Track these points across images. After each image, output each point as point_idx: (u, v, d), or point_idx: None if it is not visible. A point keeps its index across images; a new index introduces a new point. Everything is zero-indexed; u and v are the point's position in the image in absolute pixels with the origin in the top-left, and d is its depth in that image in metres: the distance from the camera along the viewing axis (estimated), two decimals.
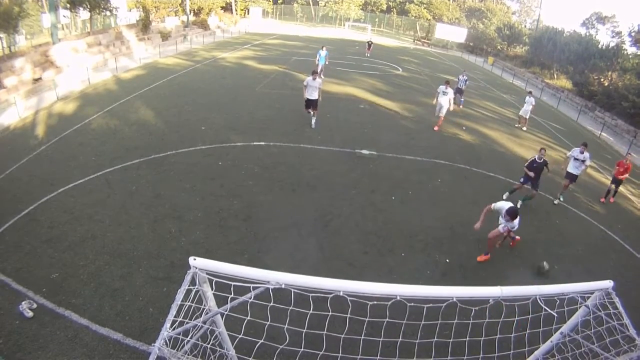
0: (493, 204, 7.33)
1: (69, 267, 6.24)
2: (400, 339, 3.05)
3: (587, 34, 37.84)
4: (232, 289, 2.55)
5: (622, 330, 3.08)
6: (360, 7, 62.26)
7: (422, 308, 2.98)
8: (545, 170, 9.49)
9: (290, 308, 2.69)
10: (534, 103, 17.23)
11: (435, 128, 15.04)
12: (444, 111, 14.57)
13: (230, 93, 16.96)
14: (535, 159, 9.52)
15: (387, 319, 2.76)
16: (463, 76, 19.04)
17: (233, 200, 8.63)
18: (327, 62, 21.26)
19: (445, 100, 14.33)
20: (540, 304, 2.83)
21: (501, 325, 3.24)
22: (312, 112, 13.32)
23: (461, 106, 18.65)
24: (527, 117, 17.52)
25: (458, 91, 18.48)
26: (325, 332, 2.82)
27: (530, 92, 18.14)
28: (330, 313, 2.71)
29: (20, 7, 19.16)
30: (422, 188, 10.17)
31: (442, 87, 14.45)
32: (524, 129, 17.48)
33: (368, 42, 34.12)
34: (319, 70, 20.84)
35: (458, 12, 58.91)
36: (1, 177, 8.94)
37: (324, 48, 20.83)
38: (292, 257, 7.07)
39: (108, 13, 27.91)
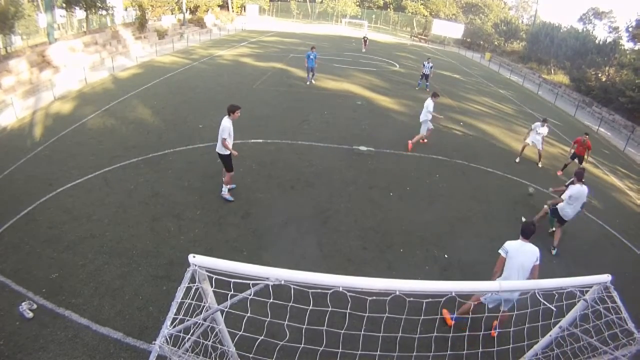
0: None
1: (69, 267, 6.23)
2: (400, 334, 3.06)
3: (585, 29, 37.88)
4: (231, 286, 2.56)
5: (620, 324, 3.10)
6: (357, 3, 62.11)
7: (422, 303, 3.00)
8: None
9: (290, 304, 2.70)
10: (546, 134, 12.35)
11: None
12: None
13: (227, 91, 16.93)
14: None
15: (386, 314, 2.77)
16: (428, 63, 20.54)
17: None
18: (316, 65, 19.11)
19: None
20: (539, 298, 2.85)
21: (500, 319, 3.25)
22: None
23: (427, 90, 20.51)
24: (541, 148, 12.41)
25: (425, 77, 20.90)
26: (325, 327, 2.83)
27: (544, 120, 12.30)
28: (330, 309, 2.72)
29: (17, 7, 19.02)
30: (420, 184, 10.18)
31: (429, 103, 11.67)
32: (539, 164, 12.70)
33: (363, 38, 34.52)
34: (308, 74, 19.30)
35: (455, 8, 58.82)
36: None
37: (313, 49, 18.34)
38: (291, 253, 7.08)
39: (104, 12, 27.77)
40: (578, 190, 7.72)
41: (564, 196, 7.83)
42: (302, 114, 14.50)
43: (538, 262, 5.12)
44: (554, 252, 8.08)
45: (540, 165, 12.62)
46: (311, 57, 18.27)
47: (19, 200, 7.94)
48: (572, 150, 11.91)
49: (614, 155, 16.74)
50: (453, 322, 5.62)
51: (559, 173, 12.16)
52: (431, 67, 20.66)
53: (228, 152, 7.98)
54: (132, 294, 5.79)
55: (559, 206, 8.03)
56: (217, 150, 8.10)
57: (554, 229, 8.46)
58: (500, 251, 5.21)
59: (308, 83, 19.41)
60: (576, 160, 12.04)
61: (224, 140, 7.78)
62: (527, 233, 5.17)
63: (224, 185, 8.57)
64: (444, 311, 5.78)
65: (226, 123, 7.74)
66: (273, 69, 22.64)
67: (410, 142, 12.19)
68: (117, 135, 11.57)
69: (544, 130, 12.15)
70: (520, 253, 5.12)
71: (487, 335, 3.31)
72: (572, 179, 8.16)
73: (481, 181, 10.84)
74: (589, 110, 25.72)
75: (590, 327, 3.36)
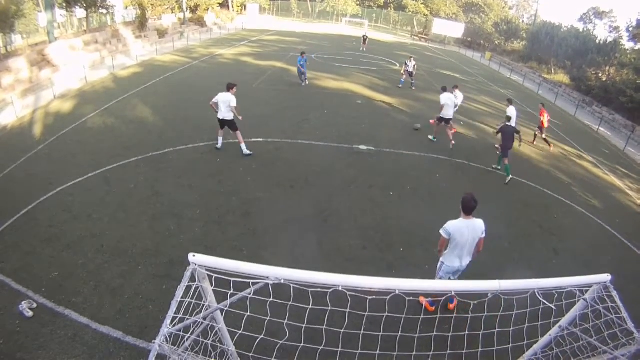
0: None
1: (69, 266, 6.24)
2: (400, 333, 3.06)
3: (585, 29, 37.81)
4: (231, 285, 2.56)
5: (620, 323, 3.10)
6: (358, 2, 62.06)
7: (421, 303, 2.99)
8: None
9: (290, 303, 2.70)
10: (514, 116, 12.86)
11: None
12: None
13: None
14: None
15: (386, 314, 2.77)
16: (411, 61, 20.83)
17: (232, 197, 8.64)
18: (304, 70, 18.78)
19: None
20: (539, 297, 2.85)
21: (500, 319, 3.25)
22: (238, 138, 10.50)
23: (413, 88, 20.99)
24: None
25: (409, 75, 21.02)
26: (324, 327, 2.83)
27: (509, 100, 13.44)
28: (329, 308, 2.72)
29: (17, 6, 19.03)
30: (420, 183, 10.18)
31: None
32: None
33: (363, 36, 34.75)
34: (301, 79, 18.82)
35: (455, 7, 58.76)
36: None
37: (304, 55, 18.17)
38: (291, 252, 7.08)
39: (104, 11, 27.78)
40: (444, 97, 12.27)
41: (442, 103, 12.28)
42: (302, 113, 14.50)
43: (484, 235, 5.15)
44: (432, 138, 13.09)
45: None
46: (301, 62, 18.13)
47: (19, 199, 7.94)
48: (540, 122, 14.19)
49: (614, 155, 16.72)
50: (433, 307, 5.69)
51: (551, 147, 14.59)
52: (414, 65, 20.91)
53: (232, 117, 10.10)
54: (132, 293, 5.79)
55: (442, 113, 12.31)
56: (223, 117, 10.10)
57: (507, 175, 10.83)
58: (441, 232, 5.12)
59: (303, 84, 19.02)
60: (537, 133, 14.67)
61: (234, 107, 9.93)
62: (469, 209, 5.03)
63: (242, 145, 10.53)
64: (421, 298, 5.84)
65: (231, 96, 9.91)
66: (273, 68, 22.62)
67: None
68: (117, 134, 11.58)
69: (511, 110, 12.74)
70: (466, 231, 5.05)
71: (486, 335, 3.31)
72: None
73: (481, 180, 10.83)
74: (589, 110, 25.68)
75: (589, 326, 3.36)
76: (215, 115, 10.41)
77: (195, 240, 7.13)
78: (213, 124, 12.47)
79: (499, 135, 10.70)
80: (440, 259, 5.50)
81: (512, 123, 12.48)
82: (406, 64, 21.01)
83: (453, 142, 12.53)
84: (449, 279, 5.48)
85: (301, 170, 10.20)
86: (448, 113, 12.31)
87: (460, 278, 5.61)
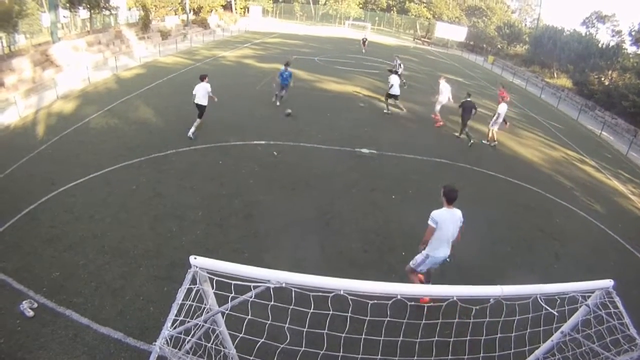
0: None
1: (70, 266, 6.24)
2: (401, 338, 3.05)
3: (587, 33, 37.80)
4: (232, 288, 2.55)
5: (622, 329, 3.08)
6: (360, 5, 62.18)
7: (423, 307, 2.98)
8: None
9: (291, 307, 2.69)
10: (505, 110, 13.62)
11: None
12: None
13: (230, 92, 16.90)
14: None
15: (387, 318, 2.76)
16: (397, 60, 21.41)
17: (233, 199, 8.63)
18: (292, 84, 15.32)
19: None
20: (541, 303, 2.83)
21: (502, 324, 3.24)
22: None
23: (405, 87, 20.40)
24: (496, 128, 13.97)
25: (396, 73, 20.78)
26: (325, 331, 2.83)
27: (504, 98, 14.80)
28: (330, 312, 2.71)
29: (21, 6, 19.14)
30: (422, 187, 10.16)
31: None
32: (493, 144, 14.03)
33: (363, 39, 34.96)
34: (279, 92, 15.30)
35: (458, 10, 58.81)
36: (1, 176, 8.93)
37: (287, 67, 14.76)
38: (293, 256, 7.07)
39: (108, 12, 27.90)
40: (392, 78, 15.39)
41: (390, 83, 15.41)
42: (304, 116, 14.49)
43: (462, 224, 5.51)
44: (386, 111, 16.15)
45: (491, 144, 14.07)
46: (284, 75, 14.73)
47: (20, 199, 7.96)
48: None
49: (617, 159, 16.69)
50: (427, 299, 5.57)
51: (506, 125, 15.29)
52: (400, 64, 21.09)
53: (206, 104, 11.51)
54: (133, 295, 5.79)
55: (391, 90, 15.36)
56: (200, 103, 11.44)
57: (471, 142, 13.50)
58: (430, 222, 5.36)
59: (278, 103, 15.44)
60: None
61: (210, 92, 11.47)
62: (452, 198, 5.41)
63: (193, 128, 11.55)
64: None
65: (207, 84, 11.47)
66: (276, 70, 22.60)
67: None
68: (120, 135, 11.60)
69: (502, 107, 13.53)
70: (449, 220, 5.37)
71: (488, 340, 3.30)
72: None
73: (484, 185, 10.82)
74: (592, 114, 25.64)
75: (592, 332, 3.34)
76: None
77: (196, 242, 7.13)
78: (216, 126, 12.57)
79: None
80: (424, 252, 5.63)
81: (501, 119, 13.67)
82: (395, 64, 21.25)
83: (404, 109, 16.49)
84: (434, 269, 5.82)
85: (303, 173, 10.20)
86: (395, 91, 15.36)
87: (461, 283, 5.59)
